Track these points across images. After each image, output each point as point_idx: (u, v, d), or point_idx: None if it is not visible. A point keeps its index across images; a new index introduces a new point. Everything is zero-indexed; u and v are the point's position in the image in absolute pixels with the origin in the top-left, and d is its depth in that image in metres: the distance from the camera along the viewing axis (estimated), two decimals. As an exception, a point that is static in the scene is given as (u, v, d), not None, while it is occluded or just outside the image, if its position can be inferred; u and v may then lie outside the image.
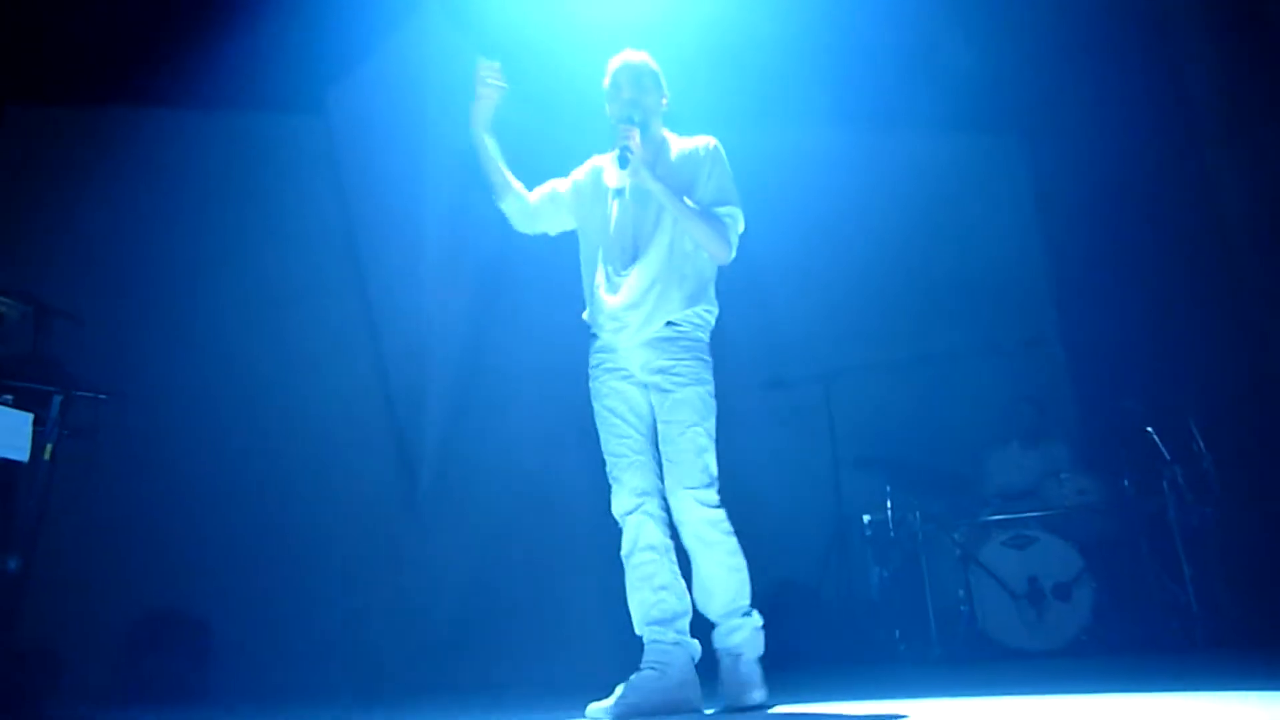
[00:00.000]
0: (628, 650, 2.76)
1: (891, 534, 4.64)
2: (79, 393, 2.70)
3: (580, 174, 2.98)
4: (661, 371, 2.73)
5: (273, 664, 4.35)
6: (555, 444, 4.63)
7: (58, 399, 2.65)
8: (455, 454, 4.92)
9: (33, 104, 5.22)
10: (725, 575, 2.65)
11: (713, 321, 2.84)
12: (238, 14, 4.50)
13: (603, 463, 2.84)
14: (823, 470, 5.08)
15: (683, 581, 2.70)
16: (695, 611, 2.70)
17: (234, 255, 4.89)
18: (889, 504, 4.65)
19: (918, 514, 4.60)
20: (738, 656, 2.64)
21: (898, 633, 4.49)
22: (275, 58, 4.42)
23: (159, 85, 4.88)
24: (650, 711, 2.53)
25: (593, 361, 2.88)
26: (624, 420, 2.78)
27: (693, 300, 2.77)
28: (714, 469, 2.68)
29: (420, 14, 4.91)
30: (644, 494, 2.72)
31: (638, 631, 2.72)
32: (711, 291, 2.84)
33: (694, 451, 2.65)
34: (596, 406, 2.86)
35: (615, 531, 2.82)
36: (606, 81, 2.86)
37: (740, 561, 2.68)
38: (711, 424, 2.71)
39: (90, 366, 2.89)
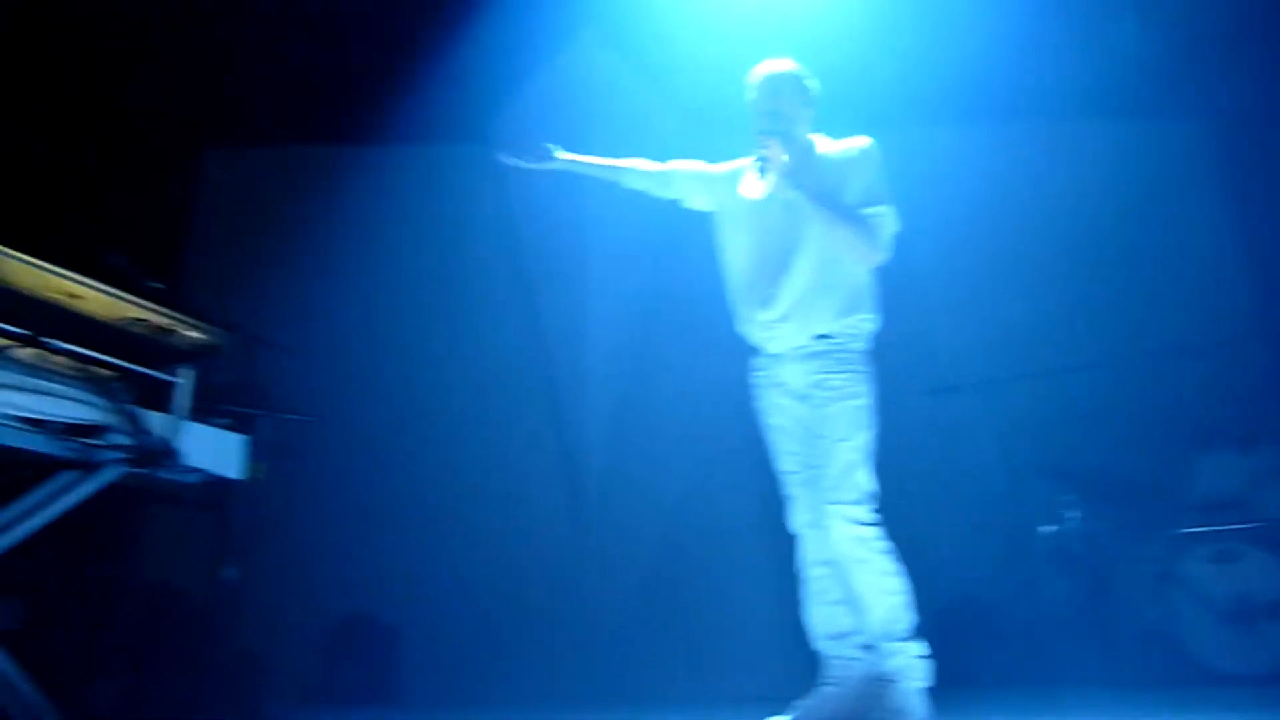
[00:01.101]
0: (801, 662, 2.74)
1: (1076, 547, 4.41)
2: (284, 415, 2.94)
3: (723, 169, 2.95)
4: (814, 385, 2.68)
5: (454, 668, 4.56)
6: (720, 453, 4.65)
7: (266, 421, 2.90)
8: (621, 465, 5.01)
9: (229, 147, 5.71)
10: (878, 596, 2.57)
11: (870, 331, 2.76)
12: (405, 56, 4.78)
13: (769, 470, 2.83)
14: (992, 481, 4.87)
15: (865, 599, 2.61)
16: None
17: (412, 280, 5.17)
18: (1072, 515, 4.42)
19: (1105, 526, 4.35)
20: (892, 683, 2.56)
21: (1087, 653, 4.25)
22: (443, 93, 4.66)
23: (340, 124, 5.25)
24: None
25: (756, 377, 2.86)
26: (791, 436, 2.76)
27: (846, 311, 2.70)
28: (867, 485, 2.61)
29: (575, 39, 5.05)
30: (818, 511, 2.65)
31: (817, 647, 2.69)
32: (868, 300, 2.76)
33: (842, 467, 2.59)
34: (766, 422, 2.83)
35: (783, 540, 2.80)
36: (750, 95, 2.84)
37: (895, 583, 2.60)
38: (863, 438, 2.63)
39: (292, 390, 3.13)
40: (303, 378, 3.06)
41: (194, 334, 2.44)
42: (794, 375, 2.74)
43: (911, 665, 2.59)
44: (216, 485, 2.77)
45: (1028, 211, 5.09)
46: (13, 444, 2.27)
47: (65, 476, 2.39)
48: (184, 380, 2.47)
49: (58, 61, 5.10)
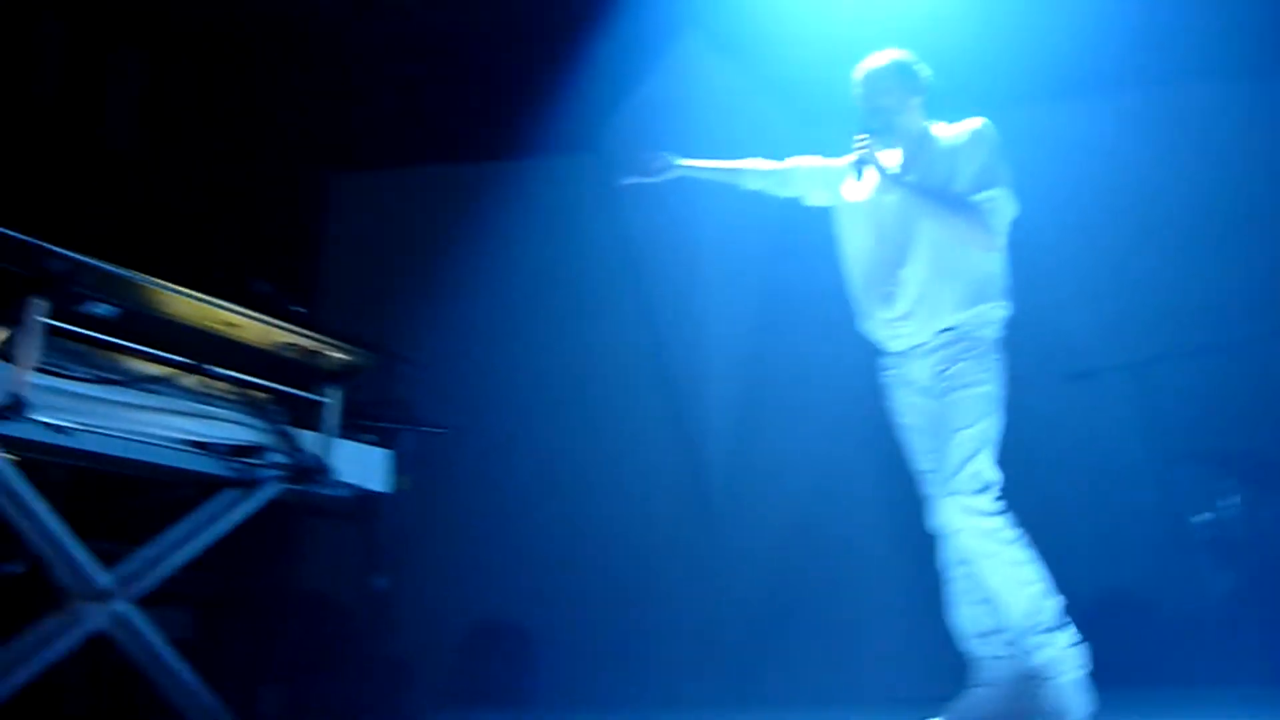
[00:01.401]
0: (949, 663, 2.68)
1: (1235, 536, 4.16)
2: (425, 428, 3.06)
3: (842, 162, 2.86)
4: (936, 377, 2.64)
5: (592, 669, 4.62)
6: (847, 451, 4.59)
7: (409, 435, 3.02)
8: (749, 466, 5.00)
9: (356, 170, 5.97)
10: (1013, 588, 2.49)
11: (1001, 318, 2.67)
12: (519, 72, 4.89)
13: (897, 467, 2.79)
14: (1140, 467, 4.64)
15: (1009, 597, 2.52)
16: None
17: (537, 289, 5.28)
18: (1230, 502, 4.16)
19: (1269, 513, 4.08)
20: (1046, 680, 2.46)
21: (1248, 650, 3.99)
22: (557, 106, 4.75)
23: (459, 142, 5.42)
24: None
25: (886, 376, 2.83)
26: (924, 434, 2.71)
27: (970, 302, 2.63)
28: (988, 475, 2.53)
29: (681, 44, 5.06)
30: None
31: (965, 647, 2.64)
32: (996, 287, 2.67)
33: (960, 457, 2.51)
34: (898, 422, 2.79)
35: (916, 539, 2.75)
36: (855, 93, 2.79)
37: (1028, 573, 2.51)
38: (984, 426, 2.55)
39: (430, 403, 3.25)
40: (440, 391, 3.17)
41: (339, 355, 2.56)
42: (920, 371, 2.69)
43: (1063, 656, 2.49)
44: (364, 498, 2.91)
45: (1168, 183, 4.82)
46: (181, 465, 2.44)
47: (228, 495, 2.55)
48: (332, 400, 2.59)
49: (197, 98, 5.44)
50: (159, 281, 2.21)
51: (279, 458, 2.46)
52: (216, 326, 2.33)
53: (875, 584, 4.53)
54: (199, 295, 2.27)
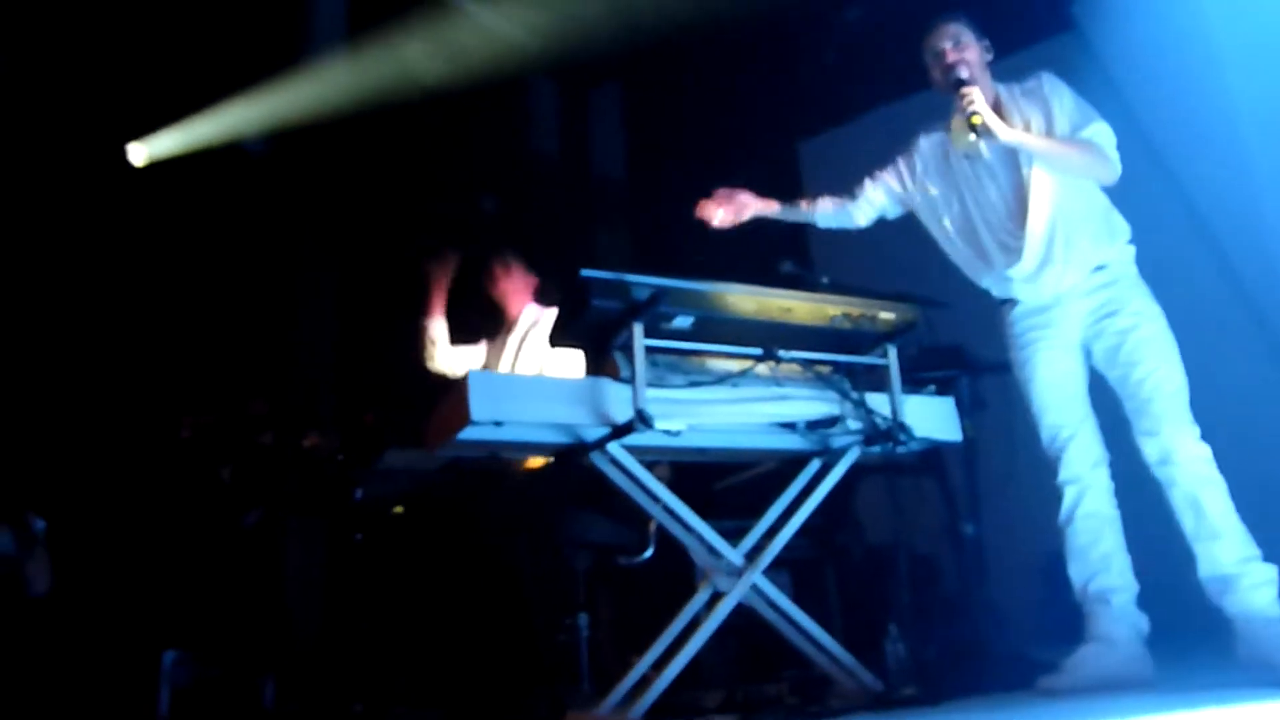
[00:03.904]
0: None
1: None
2: (976, 370, 2.99)
3: (908, 158, 2.89)
4: (1108, 316, 2.57)
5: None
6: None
7: (964, 380, 2.97)
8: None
9: (817, 134, 6.05)
10: (1234, 515, 2.40)
11: (1133, 249, 2.63)
12: None
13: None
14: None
15: (1127, 556, 2.56)
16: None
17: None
18: None
19: None
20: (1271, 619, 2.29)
21: None
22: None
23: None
24: (1100, 685, 2.38)
25: (1016, 330, 2.71)
26: (1062, 390, 2.63)
27: (1106, 238, 2.61)
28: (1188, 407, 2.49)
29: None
30: (1091, 464, 2.59)
31: (1078, 600, 2.59)
32: (1116, 219, 2.65)
33: (1173, 390, 2.48)
34: (1024, 376, 2.68)
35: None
36: (926, 56, 2.76)
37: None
38: (1178, 360, 2.52)
39: (979, 345, 3.16)
40: (977, 329, 3.05)
41: (887, 315, 2.58)
42: (1073, 320, 2.62)
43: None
44: (931, 451, 2.92)
45: None
46: (773, 446, 2.66)
47: (814, 464, 2.72)
48: (890, 360, 2.62)
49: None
50: (722, 285, 2.41)
51: (856, 424, 2.56)
52: (774, 314, 2.48)
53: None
54: (757, 289, 2.44)
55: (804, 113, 6.03)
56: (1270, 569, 2.37)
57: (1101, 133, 2.59)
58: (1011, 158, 2.66)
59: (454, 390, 2.28)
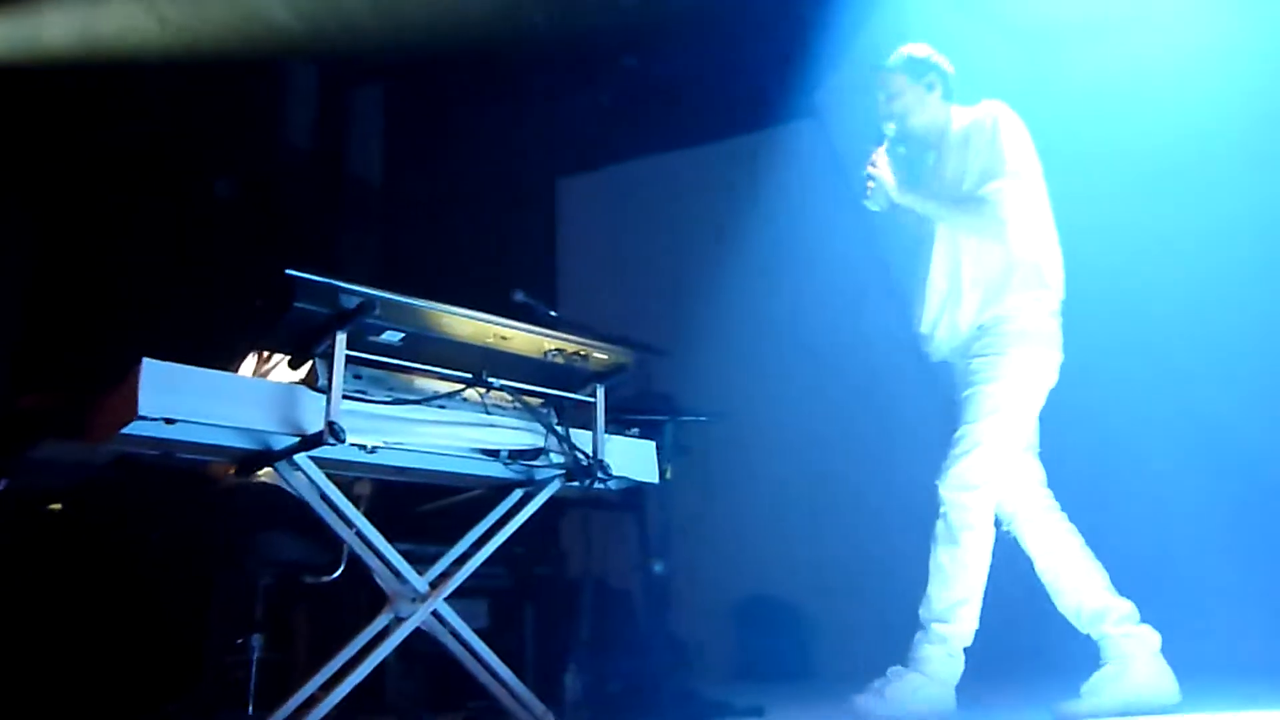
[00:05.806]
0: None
1: None
2: (684, 419, 3.12)
3: None
4: (966, 374, 2.67)
5: (858, 644, 4.56)
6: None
7: (669, 426, 3.09)
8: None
9: (574, 173, 6.15)
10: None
11: (1047, 309, 2.63)
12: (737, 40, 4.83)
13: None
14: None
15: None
16: None
17: (777, 268, 5.18)
18: None
19: None
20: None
21: None
22: (772, 75, 4.66)
23: (671, 130, 5.45)
24: (1120, 711, 2.44)
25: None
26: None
27: (1000, 295, 2.61)
28: (972, 477, 2.63)
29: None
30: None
31: (1083, 630, 2.63)
32: (1037, 277, 2.62)
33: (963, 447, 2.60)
34: None
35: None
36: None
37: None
38: (995, 422, 2.58)
39: (684, 393, 3.31)
40: (691, 380, 3.22)
41: (601, 355, 2.64)
42: (959, 379, 2.71)
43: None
44: (632, 490, 3.00)
45: None
46: (473, 472, 2.63)
47: (515, 494, 2.72)
48: (598, 399, 2.68)
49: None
50: (439, 305, 2.37)
51: (558, 458, 2.59)
52: (490, 341, 2.47)
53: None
54: (474, 314, 2.42)
55: (569, 150, 6.11)
56: None
57: (1000, 190, 2.60)
58: (915, 215, 2.73)
59: (127, 379, 2.07)
